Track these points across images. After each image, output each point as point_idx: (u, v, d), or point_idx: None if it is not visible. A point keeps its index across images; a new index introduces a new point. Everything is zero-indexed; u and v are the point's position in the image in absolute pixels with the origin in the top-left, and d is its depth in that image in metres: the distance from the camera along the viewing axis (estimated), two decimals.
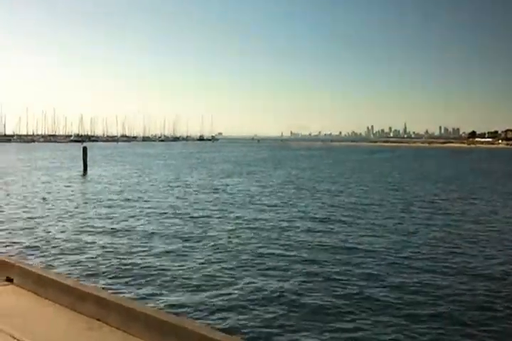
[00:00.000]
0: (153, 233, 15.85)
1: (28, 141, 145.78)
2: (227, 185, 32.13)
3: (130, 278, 10.60)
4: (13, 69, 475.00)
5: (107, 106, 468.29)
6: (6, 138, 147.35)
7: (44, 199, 23.55)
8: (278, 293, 9.70)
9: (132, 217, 19.17)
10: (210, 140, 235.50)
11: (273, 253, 13.15)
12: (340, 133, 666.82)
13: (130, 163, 59.02)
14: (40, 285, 6.06)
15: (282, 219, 18.92)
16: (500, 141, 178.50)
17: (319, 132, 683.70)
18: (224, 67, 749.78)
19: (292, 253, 13.17)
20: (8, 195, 25.33)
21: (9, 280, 6.53)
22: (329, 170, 49.64)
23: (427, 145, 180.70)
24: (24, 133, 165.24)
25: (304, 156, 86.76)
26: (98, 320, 5.19)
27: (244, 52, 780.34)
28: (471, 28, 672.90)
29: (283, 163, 61.49)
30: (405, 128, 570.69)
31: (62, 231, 15.94)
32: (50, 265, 11.57)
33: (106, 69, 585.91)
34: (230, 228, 16.82)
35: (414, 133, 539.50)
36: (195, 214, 19.69)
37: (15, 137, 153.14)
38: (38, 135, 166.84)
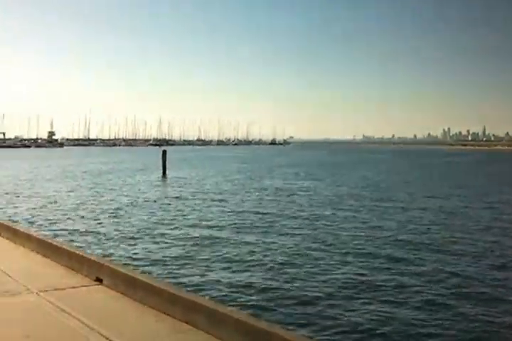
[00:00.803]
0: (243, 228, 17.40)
1: (110, 145, 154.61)
2: (303, 188, 33.39)
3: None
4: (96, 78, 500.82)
5: (184, 110, 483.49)
6: (90, 142, 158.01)
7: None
8: None
9: (219, 216, 20.82)
10: (281, 144, 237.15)
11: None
12: (415, 136, 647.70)
13: (207, 166, 61.66)
14: (130, 286, 6.08)
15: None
16: None
17: (393, 135, 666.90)
18: (293, 69, 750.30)
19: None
20: (100, 195, 28.42)
21: (99, 280, 6.59)
22: (406, 174, 49.96)
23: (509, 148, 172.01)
24: (107, 137, 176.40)
25: (378, 160, 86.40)
26: (187, 322, 5.17)
27: (316, 55, 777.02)
28: None
29: (358, 167, 61.97)
30: (484, 130, 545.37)
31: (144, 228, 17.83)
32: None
33: (182, 74, 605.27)
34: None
35: (493, 135, 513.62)
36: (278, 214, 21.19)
37: (98, 141, 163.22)
38: (119, 139, 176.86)
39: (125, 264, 11.25)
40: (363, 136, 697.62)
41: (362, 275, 11.89)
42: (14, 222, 16.30)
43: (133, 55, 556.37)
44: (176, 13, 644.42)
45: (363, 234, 17.10)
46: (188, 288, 9.91)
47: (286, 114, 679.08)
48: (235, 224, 18.98)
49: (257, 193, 30.17)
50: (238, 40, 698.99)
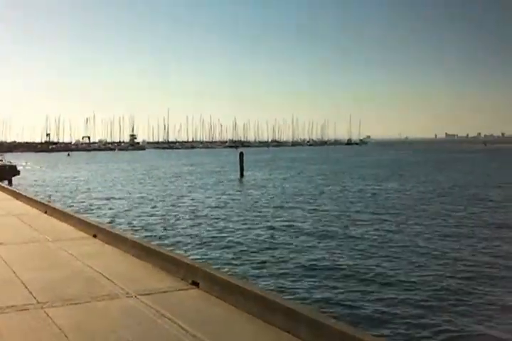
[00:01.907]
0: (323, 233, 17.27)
1: (188, 147, 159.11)
2: (385, 190, 32.61)
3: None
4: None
5: (257, 112, 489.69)
6: (170, 145, 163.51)
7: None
8: None
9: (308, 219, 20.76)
10: (357, 144, 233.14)
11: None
12: (503, 134, 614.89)
13: (283, 167, 61.81)
14: (227, 291, 6.03)
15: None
16: None
17: (478, 133, 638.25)
18: (371, 64, 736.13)
19: None
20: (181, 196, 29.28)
21: (195, 283, 6.58)
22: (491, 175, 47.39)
23: None
24: (184, 139, 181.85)
25: (465, 159, 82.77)
26: (288, 332, 5.02)
27: (394, 49, 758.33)
28: None
29: (441, 168, 59.64)
30: None
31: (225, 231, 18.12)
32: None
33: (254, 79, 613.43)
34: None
35: None
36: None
37: (177, 144, 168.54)
38: (197, 141, 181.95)
39: (221, 268, 11.33)
40: (446, 134, 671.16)
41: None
42: (109, 223, 17.02)
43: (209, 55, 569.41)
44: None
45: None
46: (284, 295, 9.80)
47: (362, 113, 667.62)
48: (320, 228, 18.72)
49: (338, 196, 29.77)
50: (320, 38, 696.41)
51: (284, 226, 19.01)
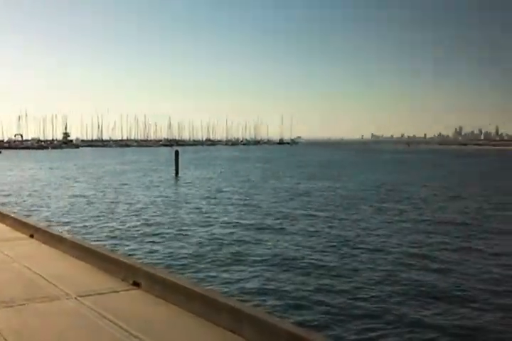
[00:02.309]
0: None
1: (123, 146, 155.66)
2: (318, 189, 33.20)
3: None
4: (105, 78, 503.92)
5: (191, 111, 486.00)
6: (104, 143, 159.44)
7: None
8: None
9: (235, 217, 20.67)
10: (289, 143, 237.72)
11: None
12: (425, 135, 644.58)
13: (218, 165, 61.92)
14: (169, 291, 5.89)
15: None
16: None
17: (402, 134, 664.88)
18: (303, 69, 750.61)
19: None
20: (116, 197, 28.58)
21: (136, 284, 6.41)
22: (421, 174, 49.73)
23: None
24: (119, 138, 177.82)
25: (395, 160, 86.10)
26: (232, 331, 4.91)
27: (321, 54, 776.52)
28: None
29: (374, 168, 61.77)
30: (497, 130, 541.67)
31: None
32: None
33: (190, 74, 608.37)
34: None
35: (507, 135, 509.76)
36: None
37: (111, 142, 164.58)
38: (131, 140, 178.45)
39: (163, 268, 11.15)
40: (372, 135, 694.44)
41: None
42: (46, 222, 16.36)
43: (150, 56, 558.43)
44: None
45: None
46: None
47: (293, 114, 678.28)
48: (250, 223, 19.02)
49: (269, 193, 30.15)
50: (250, 39, 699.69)
51: (218, 222, 19.14)
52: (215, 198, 27.42)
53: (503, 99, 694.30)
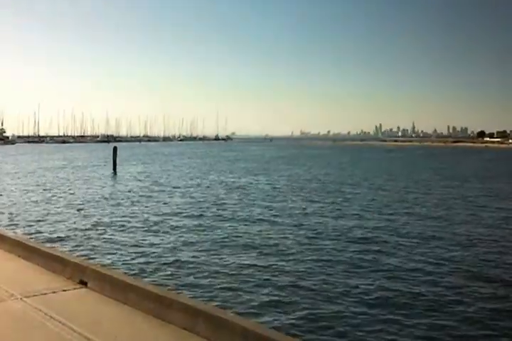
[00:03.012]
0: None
1: (60, 142, 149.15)
2: (252, 183, 33.32)
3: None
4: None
5: (130, 107, 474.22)
6: (40, 139, 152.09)
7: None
8: None
9: (166, 212, 20.43)
10: (224, 139, 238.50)
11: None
12: (349, 132, 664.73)
13: (157, 161, 60.71)
14: (118, 289, 5.65)
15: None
16: (510, 141, 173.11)
17: (328, 131, 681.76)
18: (235, 67, 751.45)
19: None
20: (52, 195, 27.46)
21: (83, 283, 6.14)
22: (350, 168, 51.29)
23: (442, 144, 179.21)
24: (56, 134, 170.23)
25: (323, 155, 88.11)
26: (185, 329, 4.73)
27: (249, 52, 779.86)
28: (481, 28, 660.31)
29: (303, 162, 62.93)
30: (413, 127, 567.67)
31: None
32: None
33: (128, 71, 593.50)
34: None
35: (422, 132, 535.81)
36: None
37: (48, 138, 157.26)
38: (68, 136, 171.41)
39: (110, 266, 10.76)
40: (301, 131, 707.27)
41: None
42: None
43: (81, 52, 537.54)
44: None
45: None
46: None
47: (229, 111, 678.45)
48: (190, 214, 19.03)
49: (205, 186, 30.06)
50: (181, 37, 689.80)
51: (157, 215, 18.90)
52: (150, 194, 26.93)
53: (420, 99, 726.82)
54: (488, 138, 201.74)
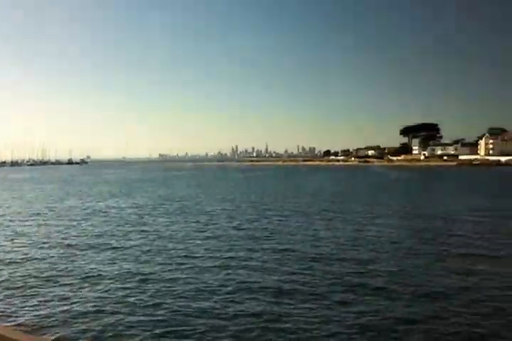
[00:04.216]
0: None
1: None
2: (115, 207, 32.20)
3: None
4: None
5: None
6: None
7: None
8: None
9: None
10: (78, 163, 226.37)
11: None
12: (207, 154, 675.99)
13: (5, 189, 55.41)
14: None
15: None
16: (352, 159, 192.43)
17: (186, 153, 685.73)
18: (88, 87, 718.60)
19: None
20: None
21: None
22: (209, 188, 51.70)
23: (293, 163, 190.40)
24: None
25: (185, 176, 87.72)
26: None
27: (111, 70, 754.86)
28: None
29: (166, 183, 61.96)
30: (267, 147, 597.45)
31: None
32: None
33: None
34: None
35: (275, 152, 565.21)
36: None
37: None
38: None
39: None
40: (159, 154, 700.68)
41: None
42: None
43: None
44: None
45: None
46: None
47: (83, 134, 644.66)
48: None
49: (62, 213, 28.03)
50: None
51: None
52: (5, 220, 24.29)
53: (272, 120, 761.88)
54: (333, 157, 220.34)
